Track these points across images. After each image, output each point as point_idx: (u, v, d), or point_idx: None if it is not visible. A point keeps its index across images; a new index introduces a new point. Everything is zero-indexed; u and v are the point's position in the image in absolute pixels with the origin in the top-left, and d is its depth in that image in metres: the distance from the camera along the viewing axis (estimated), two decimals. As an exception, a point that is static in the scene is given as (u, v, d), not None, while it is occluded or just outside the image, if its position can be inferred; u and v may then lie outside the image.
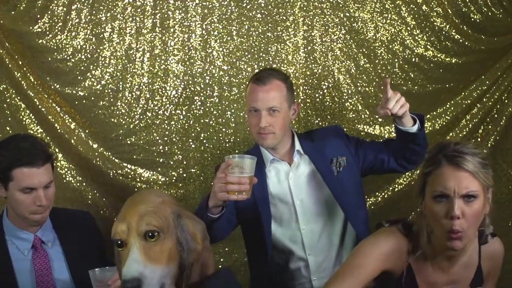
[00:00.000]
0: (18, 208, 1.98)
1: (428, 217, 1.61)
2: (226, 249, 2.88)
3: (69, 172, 2.76)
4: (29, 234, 2.03)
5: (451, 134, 2.96)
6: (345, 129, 2.75)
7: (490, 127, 2.94)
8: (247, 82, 2.26)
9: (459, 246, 1.55)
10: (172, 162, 2.82)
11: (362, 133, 2.89)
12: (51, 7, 2.67)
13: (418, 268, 1.68)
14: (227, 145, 2.85)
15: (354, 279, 1.64)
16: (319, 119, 2.90)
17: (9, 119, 2.68)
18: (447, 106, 2.96)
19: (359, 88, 2.90)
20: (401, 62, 2.91)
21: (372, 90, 2.91)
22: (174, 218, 1.42)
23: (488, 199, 1.60)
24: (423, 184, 1.64)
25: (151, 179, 2.81)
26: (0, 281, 1.96)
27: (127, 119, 2.78)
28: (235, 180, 1.77)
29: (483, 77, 2.93)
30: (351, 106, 2.90)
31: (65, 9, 2.69)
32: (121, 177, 2.79)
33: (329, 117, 2.91)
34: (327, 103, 2.90)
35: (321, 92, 2.90)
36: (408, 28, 2.89)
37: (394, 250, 1.67)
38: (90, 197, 2.79)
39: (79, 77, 2.73)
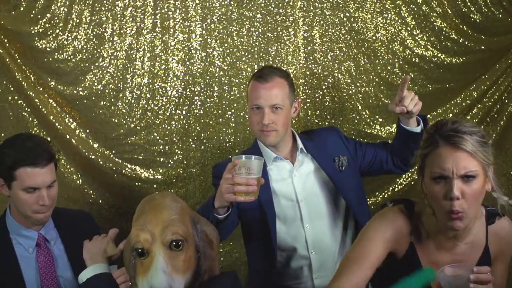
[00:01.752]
0: (21, 207, 1.99)
1: (428, 197, 1.60)
2: (226, 248, 2.88)
3: (69, 171, 2.76)
4: (33, 232, 2.05)
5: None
6: (345, 130, 2.77)
7: (490, 127, 2.94)
8: (248, 82, 2.26)
9: (460, 226, 1.54)
10: (172, 162, 2.82)
11: (362, 133, 2.90)
12: (51, 7, 2.67)
13: (421, 247, 1.68)
14: (227, 145, 2.85)
15: (362, 269, 1.62)
16: (319, 119, 2.90)
17: (11, 118, 2.68)
18: (447, 106, 2.96)
19: (359, 88, 2.90)
20: (401, 62, 2.91)
21: (372, 90, 2.91)
22: (193, 224, 1.38)
23: (489, 177, 1.57)
24: (422, 165, 1.62)
25: (152, 179, 2.81)
26: (7, 280, 1.97)
27: (128, 119, 2.78)
28: (243, 181, 1.75)
29: (483, 77, 2.93)
30: (351, 106, 2.90)
31: (65, 9, 2.68)
32: (121, 177, 2.79)
33: (329, 117, 2.91)
34: (327, 103, 2.90)
35: (321, 92, 2.90)
36: (408, 28, 2.89)
37: (397, 232, 1.66)
38: (91, 196, 2.78)
39: (79, 77, 2.73)
